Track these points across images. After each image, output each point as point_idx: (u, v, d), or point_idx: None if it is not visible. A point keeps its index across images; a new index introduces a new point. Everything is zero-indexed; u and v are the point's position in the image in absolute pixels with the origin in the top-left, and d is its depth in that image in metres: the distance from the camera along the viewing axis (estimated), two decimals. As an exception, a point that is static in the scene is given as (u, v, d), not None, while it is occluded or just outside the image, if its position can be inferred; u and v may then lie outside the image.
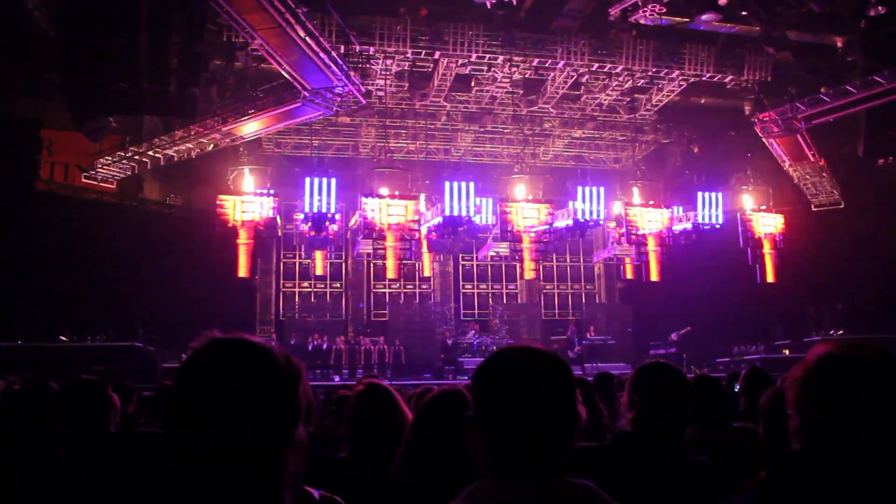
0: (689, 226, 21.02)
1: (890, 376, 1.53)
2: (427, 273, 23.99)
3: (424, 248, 21.86)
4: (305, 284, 24.38)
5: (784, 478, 1.56)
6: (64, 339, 16.64)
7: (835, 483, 1.48)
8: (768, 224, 21.93)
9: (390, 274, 20.62)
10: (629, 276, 24.03)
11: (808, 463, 1.53)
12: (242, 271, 19.67)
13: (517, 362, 1.65)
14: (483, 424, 1.59)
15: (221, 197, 19.52)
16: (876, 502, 1.46)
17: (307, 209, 19.12)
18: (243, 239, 19.45)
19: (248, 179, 20.72)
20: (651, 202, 21.49)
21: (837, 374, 1.56)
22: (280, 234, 22.43)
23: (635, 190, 22.43)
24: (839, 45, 18.76)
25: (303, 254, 23.57)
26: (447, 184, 19.28)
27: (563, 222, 20.37)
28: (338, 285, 24.73)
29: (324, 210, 19.05)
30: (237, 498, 1.36)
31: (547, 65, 18.55)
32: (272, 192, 19.84)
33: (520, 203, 20.52)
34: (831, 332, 19.79)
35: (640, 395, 2.81)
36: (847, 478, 1.48)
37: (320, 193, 19.08)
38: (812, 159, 20.95)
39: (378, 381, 3.39)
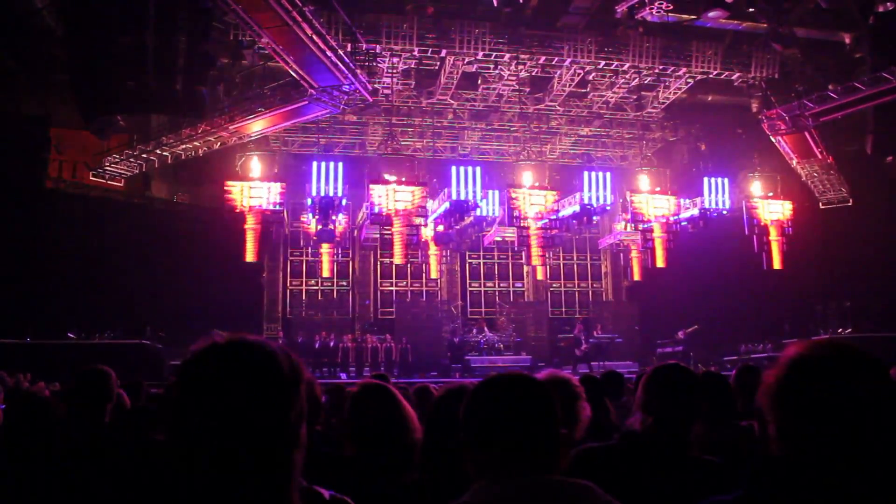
0: (695, 212, 20.95)
1: (859, 376, 1.46)
2: (434, 275, 24.07)
3: (431, 251, 21.91)
4: (312, 282, 24.41)
5: (765, 482, 1.54)
6: (72, 336, 16.71)
7: (812, 489, 1.44)
8: (775, 211, 21.89)
9: (397, 259, 20.64)
10: (637, 277, 24.05)
11: (787, 468, 1.49)
12: (250, 256, 19.82)
13: (494, 392, 1.83)
14: (472, 443, 1.78)
15: (229, 183, 19.77)
16: None
17: (314, 193, 19.20)
18: (250, 224, 19.63)
19: (255, 167, 20.91)
20: (658, 189, 21.47)
21: (806, 377, 1.48)
22: (287, 231, 22.57)
23: (642, 177, 22.43)
24: (847, 41, 18.69)
25: (310, 251, 23.62)
26: (454, 168, 19.31)
27: (569, 209, 20.38)
28: (344, 283, 24.75)
29: (331, 194, 19.12)
30: (247, 500, 1.36)
31: (554, 62, 18.54)
32: (279, 174, 20.16)
33: (526, 189, 20.52)
34: (839, 329, 19.72)
35: (652, 396, 2.78)
36: (824, 483, 1.43)
37: (327, 178, 19.15)
38: (820, 157, 20.87)
39: (377, 381, 3.39)
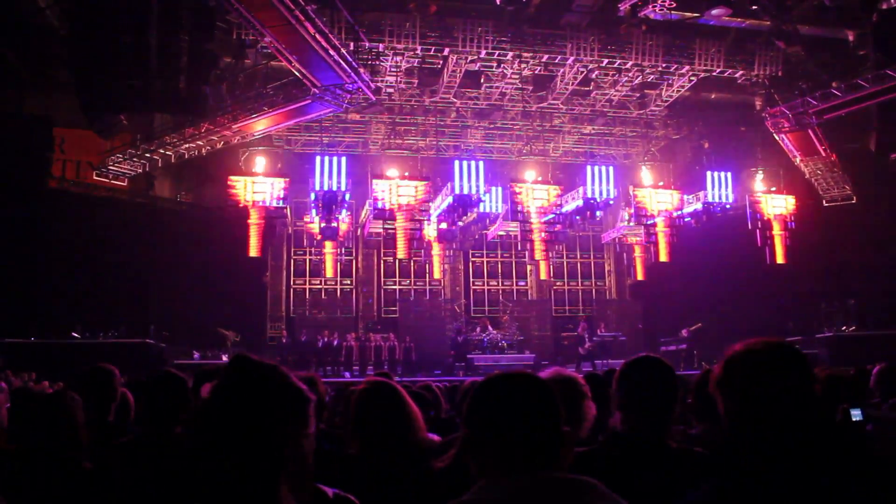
0: (698, 206, 20.99)
1: (783, 368, 1.81)
2: (437, 274, 24.10)
3: (435, 250, 21.92)
4: (316, 281, 24.42)
5: (731, 463, 1.77)
6: (76, 335, 16.73)
7: (752, 459, 1.71)
8: (778, 205, 21.88)
9: (400, 254, 20.71)
10: (640, 276, 24.04)
11: (735, 443, 1.76)
12: (253, 251, 19.86)
13: (497, 390, 1.83)
14: (474, 441, 1.79)
15: (232, 178, 19.78)
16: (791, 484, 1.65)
17: (318, 188, 19.21)
18: (254, 219, 19.69)
19: (258, 164, 20.98)
20: (661, 183, 21.48)
21: (740, 369, 1.85)
22: (290, 230, 22.60)
23: (645, 170, 22.30)
24: (850, 38, 18.63)
25: (313, 250, 23.65)
26: (457, 163, 19.36)
27: (572, 204, 20.40)
28: (348, 282, 24.77)
29: (334, 188, 19.14)
30: (240, 490, 1.52)
31: (556, 61, 18.53)
32: (282, 173, 20.23)
33: (529, 184, 20.55)
34: (843, 328, 19.66)
35: (626, 393, 2.73)
36: (758, 450, 1.71)
37: (331, 173, 19.18)
38: (823, 154, 20.83)
39: (383, 378, 3.38)
